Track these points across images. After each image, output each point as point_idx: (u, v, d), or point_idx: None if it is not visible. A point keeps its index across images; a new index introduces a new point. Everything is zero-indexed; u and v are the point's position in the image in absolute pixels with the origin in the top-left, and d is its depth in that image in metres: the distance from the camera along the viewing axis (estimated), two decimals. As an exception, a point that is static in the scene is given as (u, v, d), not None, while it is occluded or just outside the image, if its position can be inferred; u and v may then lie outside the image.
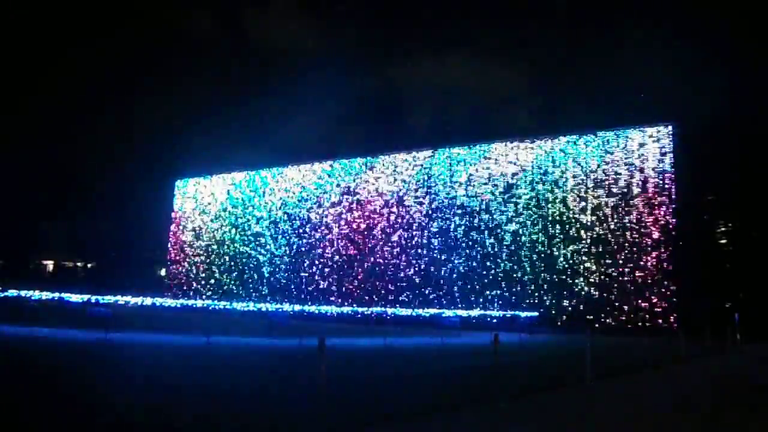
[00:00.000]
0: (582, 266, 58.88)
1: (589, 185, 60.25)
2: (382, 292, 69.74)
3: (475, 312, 58.25)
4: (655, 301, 54.74)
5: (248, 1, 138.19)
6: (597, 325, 53.51)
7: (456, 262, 66.13)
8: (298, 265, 77.61)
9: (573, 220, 60.29)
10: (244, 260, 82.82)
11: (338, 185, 77.16)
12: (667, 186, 56.71)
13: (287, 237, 79.76)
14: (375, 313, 57.54)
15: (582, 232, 59.61)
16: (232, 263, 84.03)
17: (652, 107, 62.31)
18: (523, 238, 62.55)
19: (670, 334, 46.75)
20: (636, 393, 14.30)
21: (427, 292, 66.97)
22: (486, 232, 64.98)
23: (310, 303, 68.18)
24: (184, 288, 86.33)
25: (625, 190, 58.29)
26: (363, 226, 73.54)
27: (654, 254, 55.71)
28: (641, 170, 58.05)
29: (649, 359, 23.76)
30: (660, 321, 53.49)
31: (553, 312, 58.79)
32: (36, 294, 42.14)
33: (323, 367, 9.80)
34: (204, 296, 78.34)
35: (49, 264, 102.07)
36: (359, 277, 72.14)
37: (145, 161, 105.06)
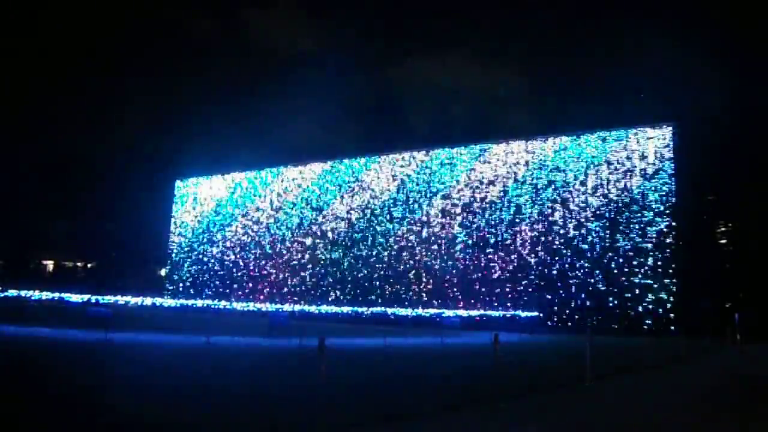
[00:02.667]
0: (582, 267, 58.86)
1: (589, 185, 60.22)
2: (382, 291, 69.72)
3: (475, 312, 58.23)
4: (655, 301, 54.72)
5: (249, 1, 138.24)
6: (597, 326, 53.49)
7: (456, 261, 66.11)
8: (298, 264, 77.62)
9: (573, 220, 60.27)
10: (244, 260, 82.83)
11: (338, 185, 77.15)
12: (667, 186, 56.70)
13: (287, 237, 79.76)
14: (375, 313, 57.47)
15: (581, 232, 59.59)
16: (232, 263, 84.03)
17: (652, 107, 62.38)
18: (523, 238, 62.54)
19: (670, 334, 46.85)
20: (636, 393, 14.30)
21: (427, 292, 66.97)
22: (486, 231, 64.97)
23: (309, 303, 68.14)
24: (184, 288, 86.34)
25: (625, 190, 58.27)
26: (363, 225, 73.54)
27: (654, 254, 55.69)
28: (641, 170, 58.03)
29: (649, 359, 23.77)
30: (660, 321, 53.46)
31: (554, 312, 58.77)
32: (36, 294, 42.11)
33: (323, 367, 9.81)
34: (204, 296, 78.29)
35: (49, 264, 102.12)
36: (359, 277, 72.13)
37: (145, 161, 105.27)
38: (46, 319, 30.98)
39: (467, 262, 65.32)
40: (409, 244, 69.71)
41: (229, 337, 27.77)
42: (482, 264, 64.31)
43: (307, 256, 76.99)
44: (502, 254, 63.28)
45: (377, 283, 70.46)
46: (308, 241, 77.50)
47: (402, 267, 69.49)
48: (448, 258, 66.53)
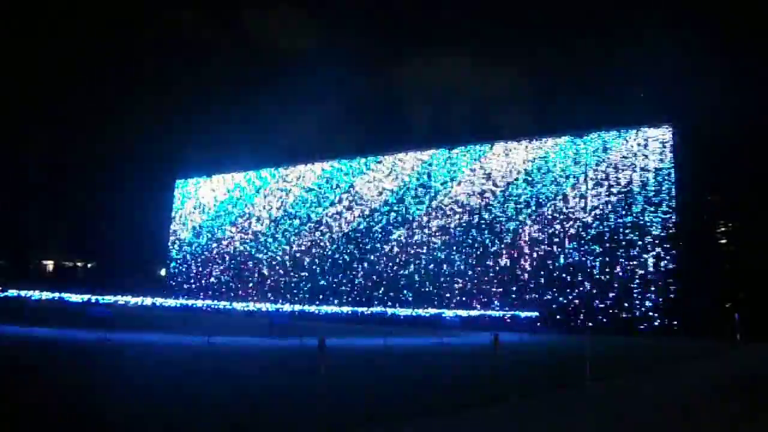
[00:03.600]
0: (582, 266, 58.81)
1: (589, 185, 60.18)
2: (382, 291, 69.66)
3: (475, 312, 58.21)
4: (655, 301, 54.68)
5: (249, 1, 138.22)
6: (597, 325, 53.47)
7: (456, 261, 66.02)
8: (298, 264, 77.56)
9: (573, 221, 60.22)
10: (244, 260, 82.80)
11: (338, 185, 77.10)
12: (667, 186, 56.66)
13: (287, 237, 79.70)
14: (375, 313, 57.50)
15: (582, 232, 59.53)
16: (232, 263, 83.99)
17: (652, 107, 62.21)
18: (523, 238, 62.50)
19: (670, 334, 46.89)
20: (636, 393, 14.30)
21: (427, 291, 66.86)
22: (486, 232, 64.89)
23: (310, 303, 68.08)
24: (184, 288, 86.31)
25: (625, 190, 58.23)
26: (363, 226, 73.47)
27: (654, 254, 55.65)
28: (641, 170, 57.96)
29: (649, 359, 23.80)
30: (660, 321, 53.44)
31: (554, 312, 58.70)
32: (36, 294, 42.16)
33: (323, 367, 9.82)
34: (204, 296, 78.28)
35: (49, 264, 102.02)
36: (359, 277, 72.07)
37: (145, 161, 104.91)
38: (46, 319, 30.98)
39: (467, 262, 65.22)
40: (410, 244, 69.57)
41: (229, 337, 27.79)
42: (482, 263, 64.23)
43: (306, 255, 76.94)
44: (503, 253, 63.20)
45: (377, 283, 70.29)
46: (308, 240, 77.43)
47: (402, 266, 69.34)
48: (448, 257, 66.37)
